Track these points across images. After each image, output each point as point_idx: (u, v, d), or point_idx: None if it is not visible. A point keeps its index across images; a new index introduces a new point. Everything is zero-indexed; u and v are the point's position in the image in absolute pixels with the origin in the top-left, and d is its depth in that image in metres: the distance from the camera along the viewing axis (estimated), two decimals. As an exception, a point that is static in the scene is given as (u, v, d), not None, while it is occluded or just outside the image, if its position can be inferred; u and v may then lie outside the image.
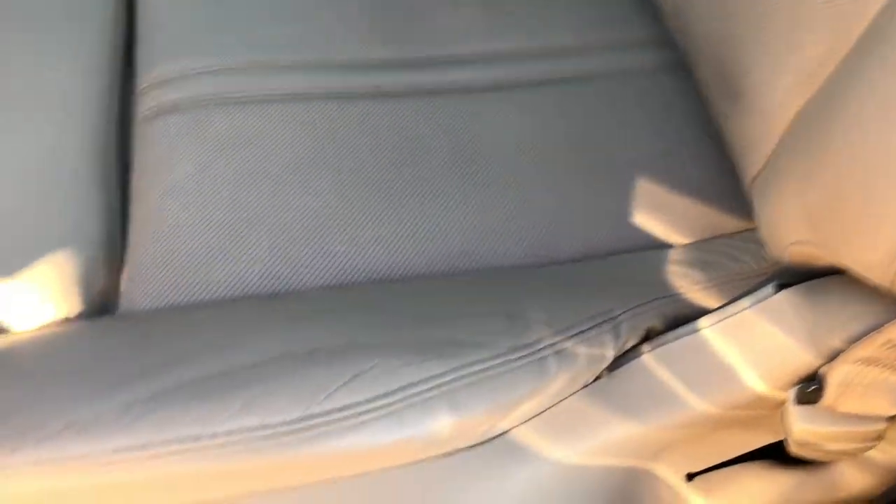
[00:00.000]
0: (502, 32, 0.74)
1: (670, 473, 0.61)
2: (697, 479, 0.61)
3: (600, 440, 0.55)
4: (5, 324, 0.55)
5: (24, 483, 0.46)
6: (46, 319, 0.56)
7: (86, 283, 0.58)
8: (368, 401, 0.48)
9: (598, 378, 0.56)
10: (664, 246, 0.64)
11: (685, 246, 0.64)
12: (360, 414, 0.48)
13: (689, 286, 0.59)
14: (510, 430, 0.55)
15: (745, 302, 0.53)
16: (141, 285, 0.59)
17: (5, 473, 0.45)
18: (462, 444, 0.54)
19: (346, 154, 0.65)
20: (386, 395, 0.48)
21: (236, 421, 0.46)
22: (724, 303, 0.55)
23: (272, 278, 0.59)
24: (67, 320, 0.56)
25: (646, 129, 0.70)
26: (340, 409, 0.48)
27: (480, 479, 0.54)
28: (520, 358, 0.52)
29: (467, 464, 0.54)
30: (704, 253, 0.62)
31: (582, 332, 0.54)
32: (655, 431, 0.55)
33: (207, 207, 0.61)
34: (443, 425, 0.50)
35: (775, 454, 0.61)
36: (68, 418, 0.46)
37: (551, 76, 0.73)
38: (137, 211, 0.63)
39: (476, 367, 0.51)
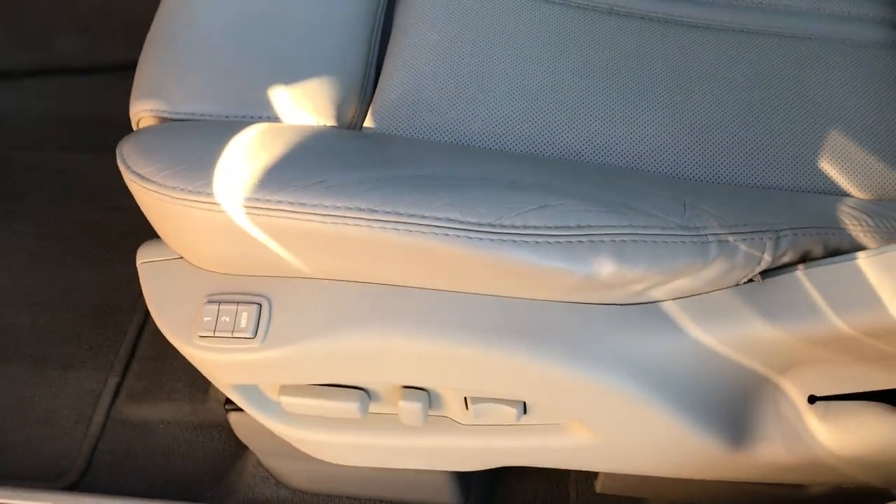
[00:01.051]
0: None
1: (795, 391, 0.66)
2: (819, 403, 0.65)
3: (740, 334, 0.61)
4: (280, 117, 0.69)
5: (278, 220, 0.59)
6: (306, 124, 0.70)
7: (340, 106, 0.71)
8: (548, 227, 0.58)
9: (750, 281, 0.62)
10: (844, 195, 0.68)
11: (866, 199, 0.68)
12: (539, 235, 0.57)
13: (859, 227, 0.64)
14: (662, 301, 0.62)
15: None
16: (382, 118, 0.71)
17: (268, 206, 0.59)
18: (617, 299, 0.62)
19: (575, 52, 0.74)
20: (565, 227, 0.58)
21: (442, 212, 0.57)
22: None
23: (489, 136, 0.69)
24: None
25: (852, 94, 0.73)
26: (524, 227, 0.57)
27: (622, 335, 0.62)
28: (685, 235, 0.59)
29: (617, 318, 0.62)
30: (884, 209, 0.66)
31: (746, 232, 0.60)
32: (792, 340, 0.60)
33: (448, 66, 0.73)
34: (604, 268, 0.58)
35: (902, 401, 0.65)
36: (321, 178, 0.59)
37: (776, 30, 0.78)
38: (391, 61, 0.75)
39: (646, 231, 0.59)
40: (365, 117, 0.72)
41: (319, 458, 0.80)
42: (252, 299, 0.66)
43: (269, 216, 0.59)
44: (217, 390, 1.02)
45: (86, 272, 1.18)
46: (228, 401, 0.82)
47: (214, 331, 0.65)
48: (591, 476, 0.92)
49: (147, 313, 1.12)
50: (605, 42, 0.76)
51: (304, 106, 0.70)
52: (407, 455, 0.78)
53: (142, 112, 0.70)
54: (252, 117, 0.68)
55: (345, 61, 0.74)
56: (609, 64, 0.74)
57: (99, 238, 1.22)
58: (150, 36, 0.76)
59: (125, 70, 1.37)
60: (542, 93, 0.71)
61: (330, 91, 0.71)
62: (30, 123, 1.38)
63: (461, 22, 0.76)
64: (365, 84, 0.74)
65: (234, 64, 0.71)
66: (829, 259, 0.61)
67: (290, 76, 0.71)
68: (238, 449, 0.98)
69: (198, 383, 1.04)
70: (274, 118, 0.69)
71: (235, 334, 0.65)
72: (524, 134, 0.69)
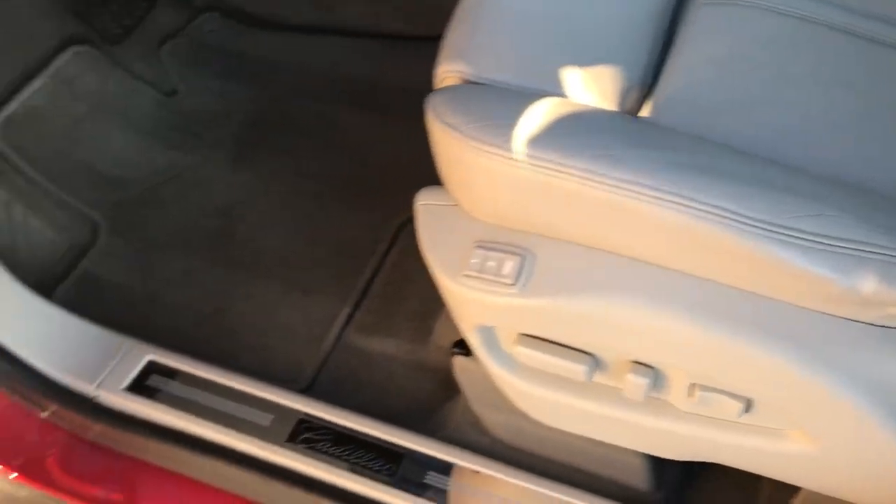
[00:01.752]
0: None
1: None
2: None
3: None
4: (569, 95, 0.75)
5: (565, 182, 0.66)
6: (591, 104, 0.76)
7: (624, 94, 0.77)
8: (819, 235, 0.60)
9: None
10: None
11: None
12: (809, 240, 0.60)
13: None
14: (917, 330, 0.64)
15: None
16: (657, 112, 0.76)
17: (559, 168, 0.66)
18: (870, 318, 0.64)
19: (854, 81, 0.76)
20: (835, 238, 0.60)
21: (721, 200, 0.62)
22: None
23: (759, 146, 0.72)
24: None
25: None
26: (798, 230, 0.61)
27: (870, 353, 0.64)
28: (958, 272, 0.60)
29: (867, 336, 0.64)
30: None
31: None
32: None
33: (725, 76, 0.77)
34: (865, 284, 0.60)
35: None
36: (610, 151, 0.65)
37: None
38: (671, 63, 0.80)
39: (915, 258, 0.60)
40: (641, 109, 0.77)
41: (532, 415, 0.87)
42: (517, 251, 0.73)
43: (558, 177, 0.66)
44: (439, 336, 1.11)
45: (336, 212, 1.31)
46: (456, 344, 0.90)
47: (480, 272, 0.73)
48: (785, 495, 0.92)
49: (384, 257, 1.24)
50: (887, 75, 0.77)
51: (591, 88, 0.76)
52: (618, 430, 0.83)
53: (448, 72, 0.79)
54: (546, 91, 0.76)
55: (632, 55, 0.80)
56: (889, 98, 0.75)
57: (350, 186, 1.34)
58: (462, 4, 0.85)
59: (400, 40, 1.51)
60: (815, 113, 0.74)
61: (616, 79, 0.77)
62: (308, 76, 1.54)
63: (743, 38, 0.80)
64: (645, 79, 0.79)
65: (534, 41, 0.79)
66: None
67: (583, 60, 0.78)
68: (449, 393, 1.07)
69: (422, 327, 1.14)
70: (564, 95, 0.75)
71: (498, 278, 0.72)
72: (793, 149, 0.72)
